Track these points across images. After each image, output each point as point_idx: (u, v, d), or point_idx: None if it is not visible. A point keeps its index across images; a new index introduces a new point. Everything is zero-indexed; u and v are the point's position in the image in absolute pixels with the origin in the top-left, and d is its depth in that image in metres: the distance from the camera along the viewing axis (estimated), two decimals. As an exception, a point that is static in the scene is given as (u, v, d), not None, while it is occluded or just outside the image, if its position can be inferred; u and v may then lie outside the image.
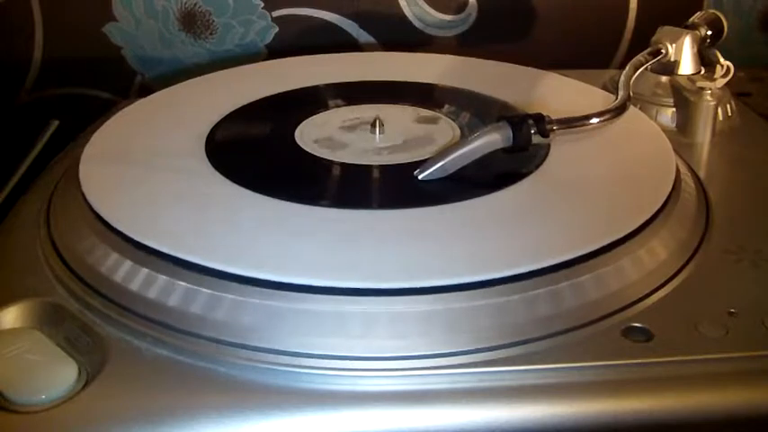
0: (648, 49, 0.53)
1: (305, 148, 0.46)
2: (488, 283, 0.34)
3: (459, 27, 0.70)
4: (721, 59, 0.52)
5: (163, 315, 0.35)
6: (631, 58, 0.52)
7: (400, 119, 0.49)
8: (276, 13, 0.69)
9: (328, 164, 0.44)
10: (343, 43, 0.69)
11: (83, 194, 0.41)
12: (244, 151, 0.46)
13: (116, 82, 0.70)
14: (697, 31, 0.54)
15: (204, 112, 0.50)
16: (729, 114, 0.53)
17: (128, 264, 0.36)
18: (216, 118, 0.49)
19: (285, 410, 0.31)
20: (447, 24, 0.70)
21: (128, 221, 0.38)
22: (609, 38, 0.71)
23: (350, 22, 0.69)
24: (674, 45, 0.53)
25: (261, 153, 0.46)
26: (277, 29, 0.69)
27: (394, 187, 0.43)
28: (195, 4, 0.68)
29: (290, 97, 0.53)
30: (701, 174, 0.47)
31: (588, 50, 0.71)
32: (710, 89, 0.50)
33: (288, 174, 0.44)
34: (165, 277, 0.35)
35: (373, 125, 0.47)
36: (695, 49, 0.54)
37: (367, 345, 0.33)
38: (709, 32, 0.54)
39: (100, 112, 0.54)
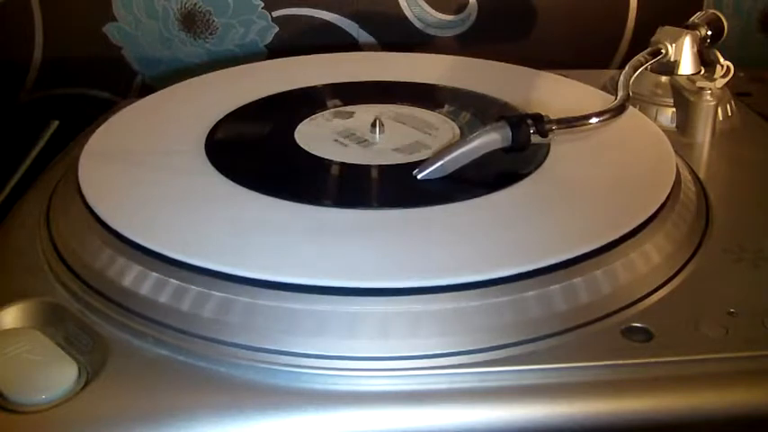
0: (648, 49, 0.53)
1: (305, 148, 0.46)
2: (488, 283, 0.34)
3: (459, 27, 0.70)
4: (721, 59, 0.52)
5: (163, 315, 0.35)
6: (631, 58, 0.52)
7: (400, 119, 0.49)
8: (276, 13, 0.69)
9: (328, 164, 0.44)
10: (343, 43, 0.69)
11: (82, 195, 0.41)
12: (244, 151, 0.46)
13: (116, 82, 0.70)
14: (697, 31, 0.54)
15: (204, 112, 0.50)
16: (729, 114, 0.53)
17: (127, 264, 0.36)
18: (216, 118, 0.49)
19: (285, 410, 0.31)
20: (447, 24, 0.70)
21: (127, 222, 0.38)
22: (609, 38, 0.71)
23: (350, 22, 0.69)
24: (674, 45, 0.53)
25: (261, 153, 0.46)
26: (277, 29, 0.69)
27: (393, 187, 0.43)
28: (195, 4, 0.68)
29: (290, 97, 0.53)
30: (701, 174, 0.47)
31: (588, 50, 0.71)
32: (710, 89, 0.50)
33: (288, 173, 0.44)
34: (164, 277, 0.35)
35: (373, 125, 0.47)
36: (695, 49, 0.54)
37: (367, 345, 0.33)
38: (709, 32, 0.54)
39: (100, 112, 0.54)
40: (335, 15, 0.69)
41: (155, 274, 0.36)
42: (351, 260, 0.35)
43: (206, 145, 0.46)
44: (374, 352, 0.33)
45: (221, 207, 0.40)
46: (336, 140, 0.47)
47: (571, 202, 0.40)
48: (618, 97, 0.47)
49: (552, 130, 0.43)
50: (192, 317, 0.34)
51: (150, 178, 0.42)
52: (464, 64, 0.59)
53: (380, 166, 0.44)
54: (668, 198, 0.40)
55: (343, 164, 0.44)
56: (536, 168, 0.43)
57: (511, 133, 0.42)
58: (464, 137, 0.45)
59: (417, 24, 0.70)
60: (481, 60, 0.59)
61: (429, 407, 0.31)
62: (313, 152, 0.45)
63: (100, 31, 0.68)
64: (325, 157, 0.45)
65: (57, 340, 0.35)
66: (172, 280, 0.35)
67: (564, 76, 0.56)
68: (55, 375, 0.33)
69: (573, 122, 0.44)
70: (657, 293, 0.36)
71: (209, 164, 0.44)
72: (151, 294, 0.35)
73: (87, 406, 0.31)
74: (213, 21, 0.68)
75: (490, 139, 0.42)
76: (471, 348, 0.33)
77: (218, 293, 0.34)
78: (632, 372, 0.33)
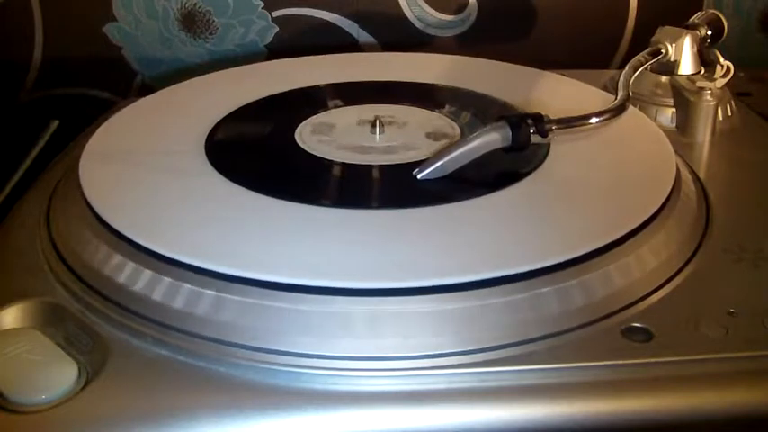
0: (648, 49, 0.53)
1: (305, 148, 0.46)
2: (488, 283, 0.34)
3: (459, 27, 0.70)
4: (721, 59, 0.52)
5: (163, 315, 0.35)
6: (631, 58, 0.52)
7: (400, 119, 0.49)
8: (276, 13, 0.69)
9: (328, 164, 0.44)
10: (343, 43, 0.69)
11: (83, 194, 0.41)
12: (244, 151, 0.46)
13: (116, 82, 0.70)
14: (697, 31, 0.54)
15: (204, 112, 0.50)
16: (729, 114, 0.53)
17: (128, 264, 0.36)
18: (216, 118, 0.49)
19: (285, 410, 0.31)
20: (447, 24, 0.70)
21: (128, 221, 0.38)
22: (609, 38, 0.71)
23: (350, 22, 0.69)
24: (674, 45, 0.53)
25: (261, 153, 0.46)
26: (277, 29, 0.69)
27: (394, 187, 0.43)
28: (195, 4, 0.68)
29: (290, 97, 0.53)
30: (701, 174, 0.47)
31: (588, 50, 0.71)
32: (710, 89, 0.50)
33: (288, 174, 0.44)
34: (164, 277, 0.35)
35: (373, 125, 0.47)
36: (695, 49, 0.54)
37: (367, 345, 0.33)
38: (710, 32, 0.54)
39: (100, 112, 0.54)
40: (335, 15, 0.69)
41: (153, 273, 0.36)
42: (351, 260, 0.35)
43: (206, 145, 0.46)
44: (374, 352, 0.33)
45: (221, 207, 0.40)
46: (336, 140, 0.47)
47: (571, 202, 0.40)
48: (618, 97, 0.47)
49: (552, 129, 0.43)
50: (191, 317, 0.34)
51: (150, 178, 0.42)
52: (464, 64, 0.59)
53: (380, 166, 0.44)
54: (668, 198, 0.40)
55: (342, 164, 0.44)
56: (536, 168, 0.43)
57: (511, 133, 0.42)
58: (464, 137, 0.45)
59: (417, 24, 0.70)
60: (481, 60, 0.59)
61: (429, 407, 0.31)
62: (313, 152, 0.45)
63: (100, 31, 0.68)
64: (325, 158, 0.45)
65: (57, 340, 0.35)
66: (171, 280, 0.35)
67: (564, 76, 0.56)
68: (55, 375, 0.33)
69: (573, 122, 0.44)
70: (657, 293, 0.36)
71: (208, 164, 0.44)
72: (151, 294, 0.35)
73: (87, 406, 0.31)
74: (213, 21, 0.68)
75: (490, 138, 0.42)
76: (471, 348, 0.33)
77: (217, 293, 0.34)
78: (632, 372, 0.33)
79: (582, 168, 0.43)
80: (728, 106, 0.53)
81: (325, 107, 0.51)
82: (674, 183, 0.42)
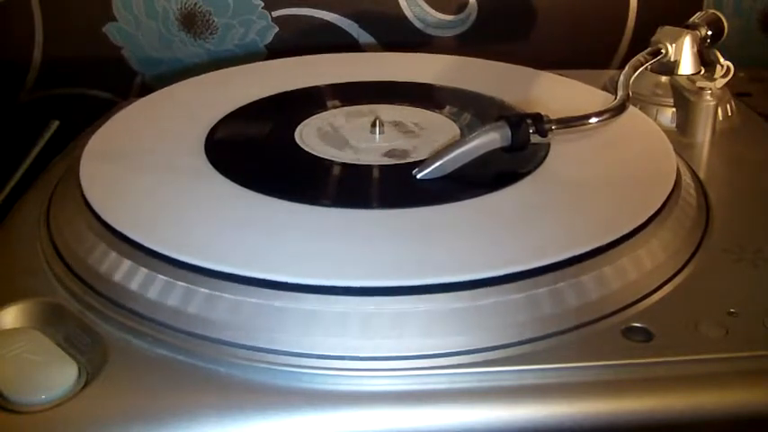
0: (648, 49, 0.53)
1: (305, 148, 0.46)
2: (488, 283, 0.34)
3: (459, 27, 0.70)
4: (721, 59, 0.52)
5: (163, 315, 0.35)
6: (631, 58, 0.52)
7: (400, 119, 0.49)
8: (276, 13, 0.69)
9: (328, 164, 0.44)
10: (343, 43, 0.69)
11: (83, 194, 0.41)
12: (244, 151, 0.46)
13: (116, 82, 0.70)
14: (697, 31, 0.54)
15: (204, 112, 0.50)
16: (729, 114, 0.53)
17: (127, 264, 0.36)
18: (216, 118, 0.49)
19: (285, 410, 0.31)
20: (447, 24, 0.70)
21: (127, 221, 0.38)
22: (609, 38, 0.71)
23: (350, 22, 0.69)
24: (674, 45, 0.53)
25: (261, 153, 0.46)
26: (277, 29, 0.69)
27: (393, 187, 0.43)
28: (195, 4, 0.68)
29: (290, 97, 0.53)
30: (701, 174, 0.47)
31: (588, 50, 0.71)
32: (710, 89, 0.50)
33: (288, 174, 0.44)
34: (164, 277, 0.35)
35: (373, 125, 0.47)
36: (695, 49, 0.54)
37: (367, 345, 0.33)
38: (710, 32, 0.54)
39: (100, 112, 0.54)
40: (335, 15, 0.69)
41: (154, 273, 0.36)
42: (350, 260, 0.35)
43: (206, 145, 0.46)
44: (374, 352, 0.33)
45: (221, 207, 0.40)
46: (336, 140, 0.47)
47: (571, 201, 0.40)
48: (618, 97, 0.47)
49: (552, 129, 0.43)
50: (191, 317, 0.34)
51: (150, 178, 0.42)
52: (464, 64, 0.59)
53: (380, 166, 0.44)
54: (668, 198, 0.40)
55: (342, 164, 0.44)
56: (536, 168, 0.43)
57: (510, 133, 0.42)
58: (464, 137, 0.45)
59: (417, 24, 0.70)
60: (481, 60, 0.59)
61: (429, 407, 0.31)
62: (313, 152, 0.45)
63: (100, 31, 0.68)
64: (325, 158, 0.45)
65: (57, 340, 0.35)
66: (171, 279, 0.35)
67: (564, 76, 0.56)
68: (55, 375, 0.33)
69: (572, 122, 0.44)
70: (657, 293, 0.36)
71: (209, 164, 0.44)
72: (150, 294, 0.35)
73: (87, 406, 0.31)
74: (213, 21, 0.68)
75: (490, 138, 0.42)
76: (471, 348, 0.33)
77: (217, 293, 0.34)
78: (632, 372, 0.33)
79: (582, 168, 0.43)
80: (728, 106, 0.53)
81: (325, 107, 0.51)
82: (674, 183, 0.42)
